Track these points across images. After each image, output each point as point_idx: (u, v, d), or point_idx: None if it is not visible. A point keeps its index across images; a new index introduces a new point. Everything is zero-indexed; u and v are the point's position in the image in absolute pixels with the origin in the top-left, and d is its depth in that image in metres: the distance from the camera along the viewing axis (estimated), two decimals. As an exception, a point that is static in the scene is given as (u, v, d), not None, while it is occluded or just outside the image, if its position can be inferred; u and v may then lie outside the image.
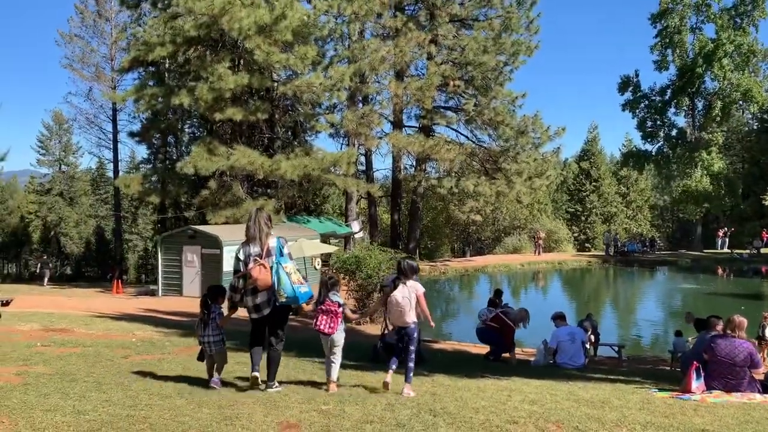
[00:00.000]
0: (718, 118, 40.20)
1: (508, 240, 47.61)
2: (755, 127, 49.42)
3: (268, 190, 28.93)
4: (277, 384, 5.81)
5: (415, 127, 32.79)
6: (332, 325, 5.99)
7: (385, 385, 5.95)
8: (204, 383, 6.07)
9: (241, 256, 5.76)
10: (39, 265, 33.70)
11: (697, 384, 6.63)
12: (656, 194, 61.60)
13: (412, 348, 6.14)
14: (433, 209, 46.09)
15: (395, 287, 6.12)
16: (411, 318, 6.09)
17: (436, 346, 13.70)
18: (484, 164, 32.38)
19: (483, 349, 13.47)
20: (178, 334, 10.90)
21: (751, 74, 39.82)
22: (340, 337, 6.09)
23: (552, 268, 35.18)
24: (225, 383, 6.12)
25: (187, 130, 36.05)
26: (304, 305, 5.86)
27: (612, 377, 8.30)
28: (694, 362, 6.84)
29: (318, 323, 6.01)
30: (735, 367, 6.67)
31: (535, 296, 26.28)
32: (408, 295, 6.04)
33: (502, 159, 31.40)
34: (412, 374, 6.00)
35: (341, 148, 32.09)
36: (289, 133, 31.34)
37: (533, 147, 31.73)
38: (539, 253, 38.55)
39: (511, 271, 33.42)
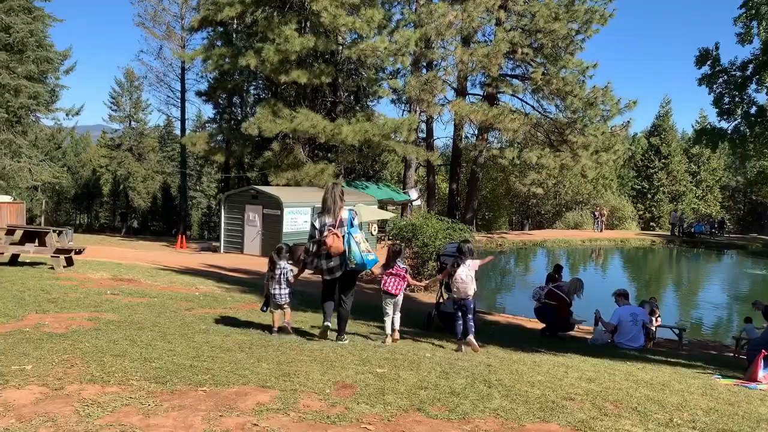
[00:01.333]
0: (805, 96, 37.75)
1: (569, 215, 46.65)
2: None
3: (329, 155, 29.21)
4: (345, 337, 6.59)
5: (479, 95, 32.23)
6: (398, 287, 6.99)
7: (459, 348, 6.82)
8: (263, 338, 6.27)
9: (317, 225, 6.48)
10: (119, 216, 35.14)
11: (764, 373, 6.38)
12: (729, 174, 58.91)
13: (470, 315, 7.10)
14: (492, 180, 45.48)
15: (457, 266, 7.05)
16: (471, 291, 7.06)
17: (490, 317, 13.67)
18: (549, 136, 31.64)
19: (538, 324, 13.39)
20: (239, 291, 11.21)
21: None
22: (401, 298, 7.05)
23: (614, 245, 34.37)
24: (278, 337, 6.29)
25: (252, 91, 36.59)
26: (372, 269, 6.83)
27: (672, 360, 8.08)
28: (763, 350, 6.57)
29: (386, 284, 6.98)
30: (808, 358, 6.38)
31: (594, 274, 25.75)
32: (470, 272, 7.02)
33: (569, 131, 30.56)
34: (474, 331, 7.07)
35: (402, 115, 31.97)
36: (352, 97, 31.42)
37: (602, 120, 30.73)
38: (601, 230, 37.65)
39: (570, 246, 32.84)
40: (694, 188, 54.89)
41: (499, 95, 31.92)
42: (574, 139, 30.25)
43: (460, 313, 7.05)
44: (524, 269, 27.32)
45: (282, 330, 6.77)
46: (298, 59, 24.16)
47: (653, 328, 11.28)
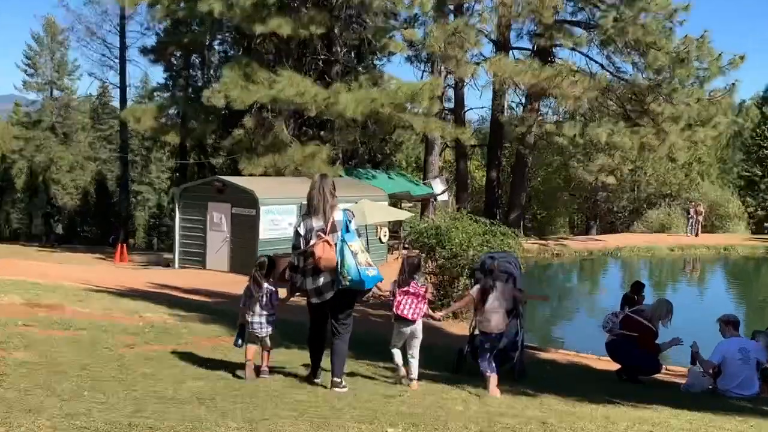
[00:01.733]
0: None
1: (651, 214, 46.42)
2: None
3: (322, 133, 29.10)
4: (343, 382, 6.43)
5: (528, 49, 32.16)
6: (417, 311, 6.93)
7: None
8: (230, 385, 6.23)
9: (302, 231, 6.43)
10: (42, 220, 35.31)
11: None
12: None
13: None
14: (546, 167, 45.39)
15: (485, 293, 7.36)
16: (502, 325, 7.45)
17: (544, 355, 13.56)
18: (624, 105, 31.53)
19: (610, 363, 13.25)
20: (199, 320, 11.18)
21: None
22: (420, 326, 7.05)
23: (714, 255, 34.07)
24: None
25: (217, 48, 36.63)
26: (377, 288, 6.67)
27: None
28: None
29: (399, 306, 6.91)
30: None
31: (688, 295, 25.47)
32: (501, 299, 7.44)
33: (651, 98, 30.38)
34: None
35: (422, 78, 31.86)
36: (352, 55, 31.29)
37: (696, 82, 30.55)
38: (697, 234, 37.33)
39: (654, 257, 32.60)
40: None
41: (555, 50, 31.79)
42: (659, 109, 30.04)
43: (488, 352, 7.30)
44: (591, 288, 27.14)
45: (258, 372, 6.79)
46: (278, 2, 24.11)
47: None
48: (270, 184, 22.60)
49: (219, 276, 19.91)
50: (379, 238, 24.19)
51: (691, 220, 38.23)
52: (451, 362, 8.99)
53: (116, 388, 5.77)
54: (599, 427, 5.61)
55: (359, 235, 6.59)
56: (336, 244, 6.21)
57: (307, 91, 23.65)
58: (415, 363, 7.01)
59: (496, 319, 7.11)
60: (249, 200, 20.83)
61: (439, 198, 31.57)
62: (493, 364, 7.30)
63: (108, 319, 10.40)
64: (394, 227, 26.04)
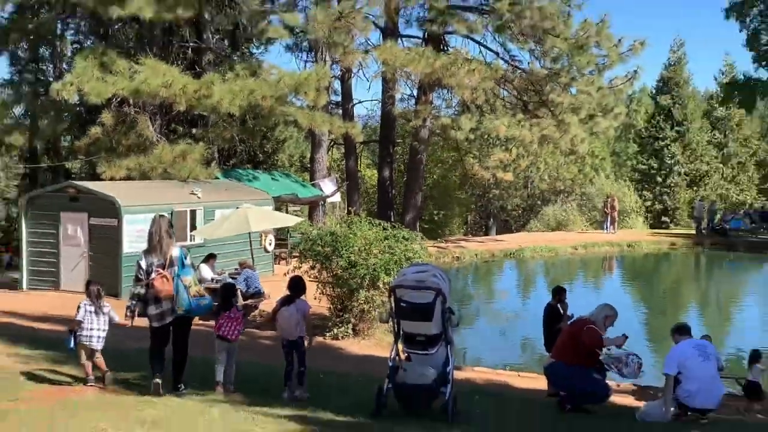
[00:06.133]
0: None
1: (548, 211, 46.66)
2: None
3: (194, 130, 27.85)
4: (183, 386, 8.12)
5: (419, 37, 31.50)
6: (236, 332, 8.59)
7: None
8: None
9: (143, 265, 7.88)
10: None
11: None
12: (766, 144, 60.80)
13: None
14: (441, 163, 44.93)
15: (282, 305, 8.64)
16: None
17: (461, 374, 12.54)
18: (521, 95, 31.29)
19: (531, 380, 12.40)
20: (47, 359, 9.65)
21: None
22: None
23: (619, 252, 34.27)
24: None
25: (70, 37, 34.72)
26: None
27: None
28: None
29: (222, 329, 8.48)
30: None
31: (601, 297, 25.20)
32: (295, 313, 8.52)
33: (549, 87, 30.21)
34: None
35: (305, 68, 30.69)
36: (226, 42, 30.06)
37: (596, 70, 30.54)
38: (614, 230, 37.42)
39: (558, 257, 32.41)
40: (721, 166, 56.22)
41: (447, 37, 31.29)
42: (558, 99, 29.93)
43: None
44: (491, 294, 26.57)
45: (104, 380, 8.21)
46: (139, -18, 22.49)
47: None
48: (134, 190, 20.94)
49: (75, 298, 17.85)
50: (264, 248, 22.86)
51: (608, 217, 38.24)
52: (369, 402, 7.65)
53: None
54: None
55: (195, 269, 8.51)
56: (173, 278, 7.64)
57: (174, 81, 22.00)
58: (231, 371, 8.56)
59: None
60: (109, 208, 19.11)
61: (330, 200, 30.46)
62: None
63: None
64: (281, 234, 24.76)
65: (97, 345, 8.11)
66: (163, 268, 7.66)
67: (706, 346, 9.00)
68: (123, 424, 6.20)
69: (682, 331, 9.41)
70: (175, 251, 7.82)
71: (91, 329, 8.09)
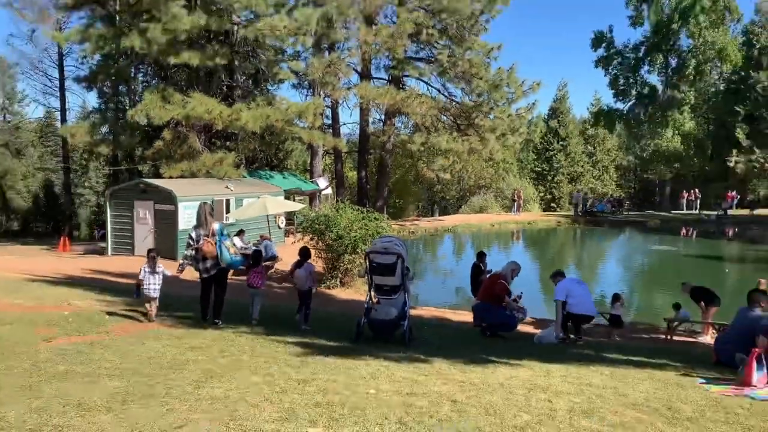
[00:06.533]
0: (692, 77, 39.40)
1: (473, 200, 46.61)
2: (722, 88, 48.91)
3: (228, 143, 27.21)
4: (220, 321, 7.93)
5: (385, 79, 31.03)
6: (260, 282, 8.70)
7: None
8: (147, 387, 4.59)
9: (194, 236, 8.03)
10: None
11: (759, 375, 5.45)
12: (621, 154, 61.28)
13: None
14: (401, 167, 44.57)
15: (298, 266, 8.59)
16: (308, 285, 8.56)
17: (415, 312, 12.44)
18: (456, 120, 31.01)
19: (462, 315, 12.32)
20: (124, 304, 9.30)
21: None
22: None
23: (522, 228, 34.34)
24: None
25: (140, 78, 33.69)
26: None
27: (635, 359, 7.10)
28: (755, 350, 5.64)
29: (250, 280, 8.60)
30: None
31: (508, 257, 25.30)
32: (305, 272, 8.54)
33: (475, 114, 29.96)
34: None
35: (306, 99, 30.27)
36: (250, 81, 29.50)
37: (507, 102, 30.36)
38: (519, 213, 37.87)
39: (481, 231, 32.42)
40: (591, 168, 56.59)
41: (405, 79, 30.89)
42: (481, 123, 29.73)
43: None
44: (436, 255, 26.50)
45: (152, 317, 8.01)
46: (188, 39, 22.00)
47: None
48: (186, 185, 20.48)
49: (144, 261, 17.65)
50: (278, 225, 22.58)
51: (515, 203, 38.67)
52: (350, 332, 7.59)
53: (16, 395, 4.05)
54: (502, 398, 4.39)
55: (229, 237, 8.25)
56: (216, 243, 7.77)
57: (213, 109, 21.55)
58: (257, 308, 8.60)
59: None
60: (168, 197, 18.67)
61: (323, 192, 30.09)
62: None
63: (36, 310, 8.39)
64: (290, 215, 24.47)
65: (154, 294, 8.03)
66: (208, 237, 7.75)
67: (579, 280, 9.18)
68: (175, 350, 6.06)
69: (560, 273, 9.51)
70: (216, 226, 7.86)
71: (149, 284, 8.02)
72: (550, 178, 54.57)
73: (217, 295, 8.06)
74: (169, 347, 6.14)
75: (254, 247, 15.90)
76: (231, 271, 8.40)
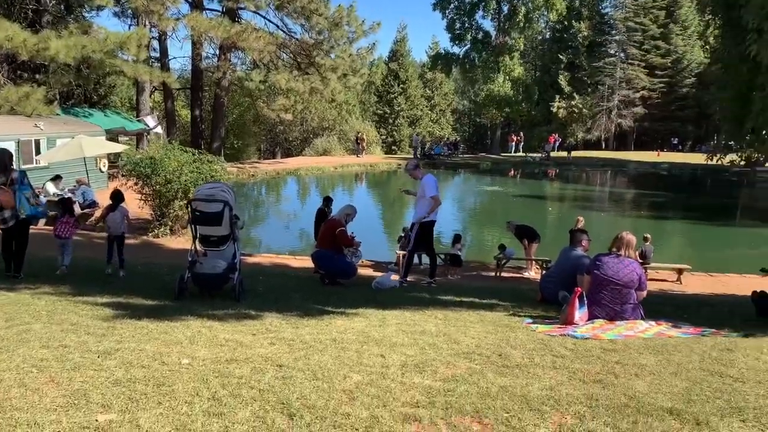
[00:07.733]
0: (522, 24, 41.35)
1: (317, 141, 46.11)
2: (548, 36, 52.11)
3: (37, 76, 24.05)
4: (21, 275, 7.37)
5: (218, 10, 29.03)
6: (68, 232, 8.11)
7: None
8: None
9: None
10: None
11: (580, 314, 5.67)
12: (457, 99, 63.63)
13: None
14: (239, 106, 42.65)
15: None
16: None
17: (251, 260, 11.91)
18: (296, 58, 30.01)
19: (303, 261, 11.99)
20: None
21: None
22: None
23: (364, 170, 34.54)
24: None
25: None
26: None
27: (466, 301, 7.19)
28: (578, 288, 5.86)
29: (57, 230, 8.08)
30: (622, 290, 5.82)
31: (351, 201, 25.30)
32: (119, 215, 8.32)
33: (316, 53, 29.25)
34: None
35: (129, 30, 27.43)
36: (62, 6, 26.06)
37: (348, 42, 29.93)
38: (362, 155, 38.01)
39: (324, 174, 32.11)
40: (429, 112, 58.20)
41: (240, 11, 29.14)
42: (322, 62, 29.12)
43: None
44: (280, 199, 25.85)
45: None
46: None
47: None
48: (-16, 123, 17.78)
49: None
50: (99, 168, 20.49)
51: (359, 146, 38.71)
52: (171, 289, 6.86)
53: None
54: (332, 357, 4.08)
55: (31, 187, 7.34)
56: (14, 192, 7.05)
57: (16, 35, 18.64)
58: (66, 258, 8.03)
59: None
60: (-38, 138, 16.06)
61: (154, 131, 27.82)
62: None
63: None
64: (114, 158, 22.40)
65: None
66: (5, 186, 7.01)
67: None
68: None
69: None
70: (15, 174, 7.13)
71: None
72: (390, 121, 55.37)
73: (19, 245, 7.42)
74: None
75: (68, 194, 14.27)
76: (34, 223, 7.79)
